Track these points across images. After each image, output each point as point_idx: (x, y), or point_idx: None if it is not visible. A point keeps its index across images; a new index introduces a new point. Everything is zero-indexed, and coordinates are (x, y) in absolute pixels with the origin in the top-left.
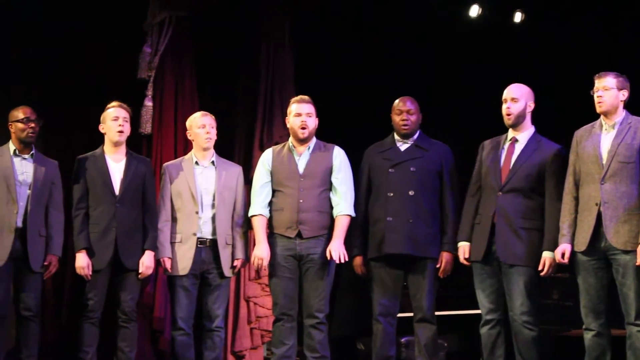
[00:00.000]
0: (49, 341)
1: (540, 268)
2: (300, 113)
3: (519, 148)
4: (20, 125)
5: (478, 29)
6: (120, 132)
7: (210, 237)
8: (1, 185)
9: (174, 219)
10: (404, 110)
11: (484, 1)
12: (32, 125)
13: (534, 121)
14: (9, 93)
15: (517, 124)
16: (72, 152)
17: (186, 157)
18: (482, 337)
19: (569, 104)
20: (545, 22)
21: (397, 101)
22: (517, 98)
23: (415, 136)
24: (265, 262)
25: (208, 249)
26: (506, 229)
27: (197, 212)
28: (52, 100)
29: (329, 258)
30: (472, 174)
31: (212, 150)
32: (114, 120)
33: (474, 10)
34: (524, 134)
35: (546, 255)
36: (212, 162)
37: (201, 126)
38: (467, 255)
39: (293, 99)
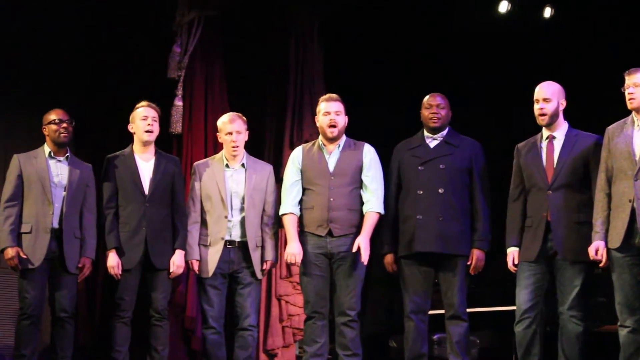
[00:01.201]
0: (81, 341)
1: (592, 257)
2: (329, 111)
3: (558, 144)
4: (53, 126)
5: (507, 25)
6: (149, 131)
7: (239, 239)
8: (37, 187)
9: (203, 221)
10: (433, 104)
11: None
12: (65, 125)
13: (565, 117)
14: (41, 96)
15: (550, 123)
16: (103, 153)
17: (217, 156)
18: (516, 335)
19: (600, 100)
20: (575, 16)
21: (427, 97)
22: (550, 98)
23: (445, 132)
24: (299, 259)
25: (237, 249)
26: (562, 226)
27: (226, 217)
28: (82, 101)
29: (354, 250)
30: (505, 172)
31: (243, 152)
32: (143, 120)
33: (504, 6)
34: (560, 131)
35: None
36: (243, 165)
37: (228, 133)
38: (516, 262)
39: (322, 98)
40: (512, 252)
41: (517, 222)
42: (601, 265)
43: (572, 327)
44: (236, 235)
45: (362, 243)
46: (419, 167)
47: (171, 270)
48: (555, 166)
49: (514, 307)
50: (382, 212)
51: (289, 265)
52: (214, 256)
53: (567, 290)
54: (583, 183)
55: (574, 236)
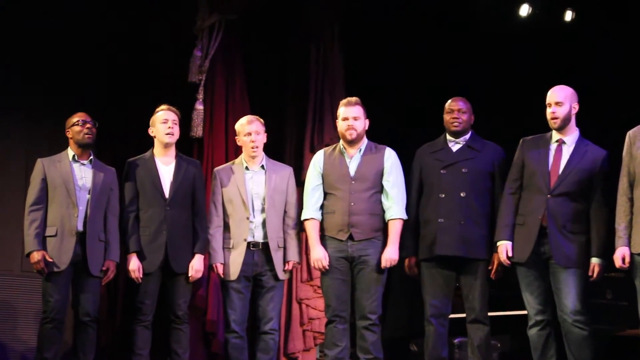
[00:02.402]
0: (102, 344)
1: (590, 274)
2: (347, 117)
3: (567, 151)
4: (77, 128)
5: (528, 28)
6: (169, 134)
7: (262, 240)
8: (61, 190)
9: (225, 225)
10: (455, 109)
11: (535, 0)
12: (89, 126)
13: (583, 121)
14: (62, 101)
15: (562, 127)
16: (123, 158)
17: (237, 160)
18: (531, 339)
19: (621, 104)
20: (596, 20)
21: (449, 101)
22: (562, 102)
23: (467, 136)
24: (325, 262)
25: (260, 252)
26: (557, 232)
27: (248, 218)
28: (103, 106)
29: (382, 266)
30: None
31: (262, 154)
32: (163, 123)
33: (524, 10)
34: (571, 137)
35: (595, 261)
36: (262, 167)
37: (247, 134)
38: (510, 254)
39: (341, 102)
40: (505, 245)
41: (510, 216)
42: (592, 279)
43: (577, 332)
44: (259, 237)
45: (389, 256)
46: (441, 171)
47: (190, 275)
48: (560, 172)
49: None
50: (405, 217)
51: (310, 269)
52: (237, 258)
53: (564, 294)
54: (583, 195)
55: (568, 243)
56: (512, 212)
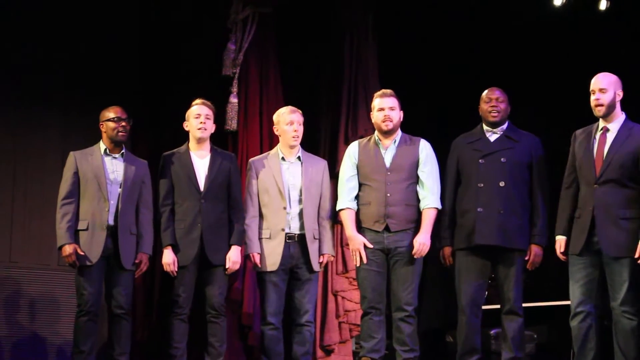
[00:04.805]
0: (139, 338)
1: (637, 256)
2: (383, 107)
3: (610, 138)
4: (111, 124)
5: (562, 17)
6: (202, 129)
7: (298, 232)
8: (92, 184)
9: (261, 215)
10: (493, 98)
11: None
12: (124, 124)
13: (622, 109)
14: (97, 94)
15: (607, 114)
16: (159, 151)
17: (272, 152)
18: (572, 330)
19: None
20: (631, 8)
21: (485, 91)
22: (605, 88)
23: (505, 126)
24: (369, 245)
25: (297, 244)
26: (606, 221)
27: (284, 208)
28: (138, 99)
29: (414, 252)
30: (563, 165)
31: (299, 146)
32: (196, 118)
33: None
34: (615, 123)
35: None
36: (298, 158)
37: (289, 123)
38: (562, 249)
39: (376, 94)
40: (559, 241)
41: (567, 211)
42: None
43: (625, 322)
44: (295, 228)
45: (422, 240)
46: (480, 160)
47: (227, 267)
48: (603, 160)
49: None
50: (440, 207)
51: (345, 261)
52: (276, 249)
53: (617, 285)
54: (631, 178)
55: (619, 232)
56: (569, 206)
